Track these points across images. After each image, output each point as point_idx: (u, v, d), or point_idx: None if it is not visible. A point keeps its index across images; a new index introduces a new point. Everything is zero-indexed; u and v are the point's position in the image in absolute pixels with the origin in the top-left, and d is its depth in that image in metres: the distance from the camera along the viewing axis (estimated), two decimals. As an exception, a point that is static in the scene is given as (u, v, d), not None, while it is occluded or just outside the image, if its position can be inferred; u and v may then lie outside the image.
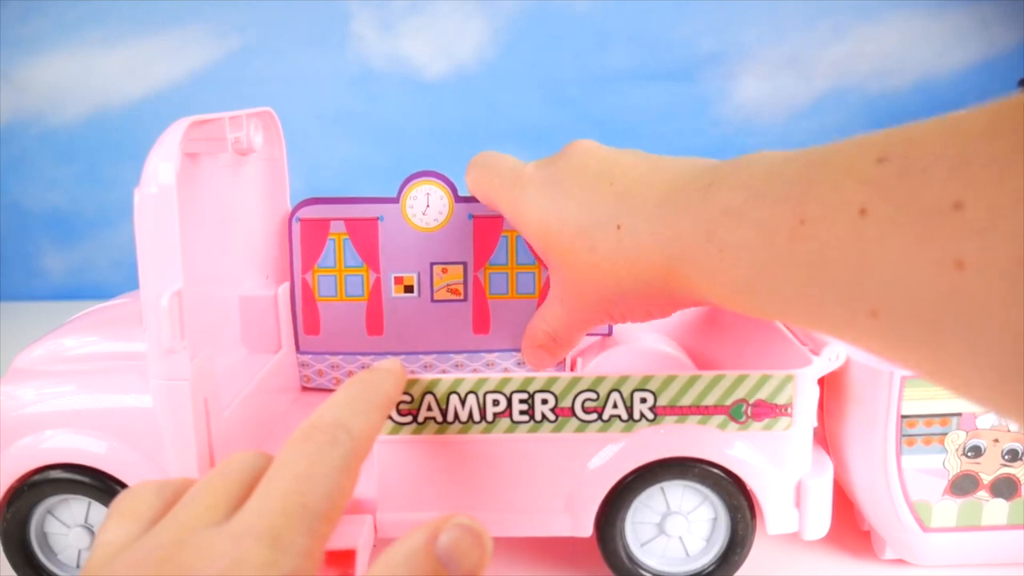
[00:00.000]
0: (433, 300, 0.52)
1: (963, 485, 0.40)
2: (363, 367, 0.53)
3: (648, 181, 0.36)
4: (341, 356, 0.53)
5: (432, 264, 0.52)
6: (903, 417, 0.39)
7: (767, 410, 0.38)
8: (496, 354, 0.53)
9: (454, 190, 0.51)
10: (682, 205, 0.33)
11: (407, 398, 0.38)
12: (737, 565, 0.41)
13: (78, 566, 0.42)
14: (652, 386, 0.38)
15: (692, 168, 0.35)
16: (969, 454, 0.40)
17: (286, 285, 0.52)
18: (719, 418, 0.38)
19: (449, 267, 0.52)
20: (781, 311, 0.29)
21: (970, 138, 0.21)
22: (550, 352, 0.44)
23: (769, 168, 0.30)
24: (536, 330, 0.44)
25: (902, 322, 0.23)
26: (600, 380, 0.38)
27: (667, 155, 0.39)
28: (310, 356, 0.53)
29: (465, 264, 0.52)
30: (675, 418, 0.39)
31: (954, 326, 0.21)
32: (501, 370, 0.53)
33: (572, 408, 0.38)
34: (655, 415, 0.38)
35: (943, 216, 0.21)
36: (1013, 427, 0.39)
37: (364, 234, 0.52)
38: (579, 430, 0.39)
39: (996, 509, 0.41)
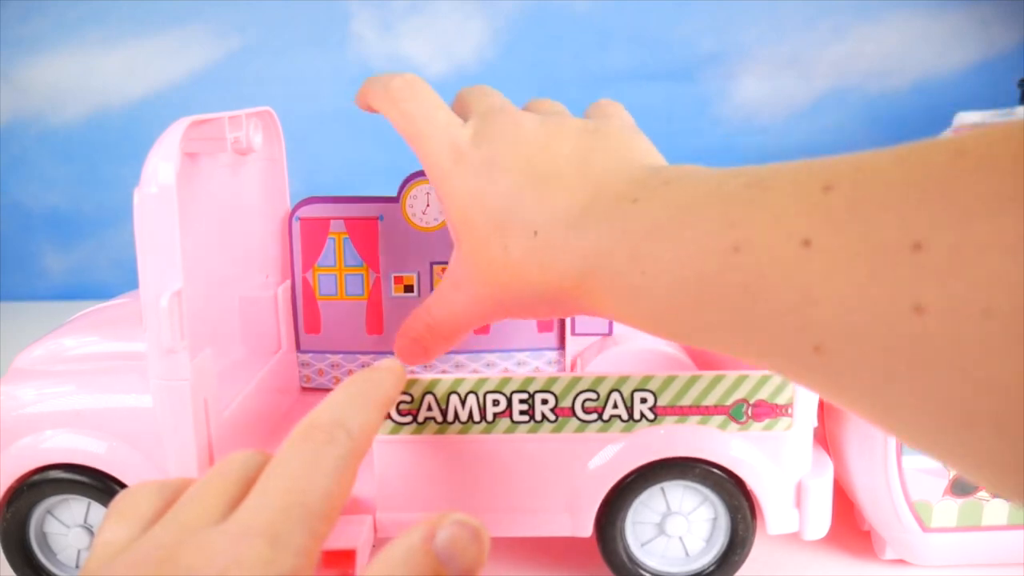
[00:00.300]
0: (433, 300, 0.52)
1: (963, 485, 0.40)
2: (363, 366, 0.53)
3: (572, 185, 0.34)
4: (341, 355, 0.53)
5: (432, 264, 0.52)
6: (903, 417, 0.39)
7: (767, 410, 0.38)
8: (496, 354, 0.53)
9: (454, 190, 0.51)
10: (605, 217, 0.32)
11: (407, 398, 0.38)
12: (737, 565, 0.41)
13: (77, 566, 0.42)
14: (652, 386, 0.38)
15: (621, 175, 0.34)
16: (969, 454, 0.40)
17: (285, 285, 0.52)
18: (719, 418, 0.38)
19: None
20: (707, 339, 0.28)
21: (932, 173, 0.21)
22: (424, 348, 0.40)
23: (704, 185, 0.29)
24: (417, 320, 0.40)
25: (850, 362, 0.22)
26: (600, 380, 0.38)
27: (616, 144, 0.37)
28: (310, 355, 0.53)
29: (465, 264, 0.52)
30: (675, 418, 0.39)
31: (909, 372, 0.20)
32: (501, 370, 0.53)
33: (572, 408, 0.38)
34: (655, 415, 0.38)
35: (900, 255, 0.20)
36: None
37: (364, 233, 0.52)
38: (579, 430, 0.39)
39: (996, 509, 0.41)
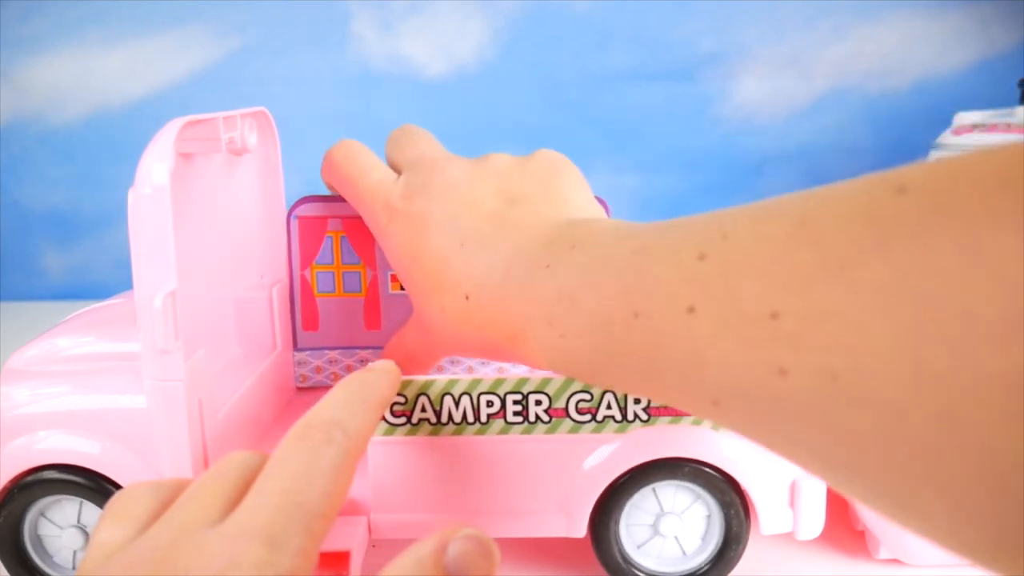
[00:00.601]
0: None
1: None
2: (361, 361, 0.53)
3: (494, 246, 0.36)
4: (339, 351, 0.53)
5: (428, 263, 0.52)
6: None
7: (761, 410, 0.38)
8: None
9: (450, 190, 0.51)
10: (523, 284, 0.33)
11: (401, 399, 0.38)
12: (733, 562, 0.41)
13: (74, 568, 0.42)
14: (646, 386, 0.38)
15: (536, 235, 0.35)
16: (963, 455, 0.40)
17: (280, 285, 0.52)
18: (713, 418, 0.38)
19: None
20: (627, 389, 0.31)
21: (778, 243, 0.22)
22: (407, 372, 0.41)
23: (601, 250, 0.30)
24: (396, 353, 0.44)
25: (741, 415, 0.24)
26: (594, 380, 0.38)
27: (540, 183, 0.39)
28: (308, 353, 0.53)
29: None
30: (669, 419, 0.39)
31: (784, 426, 0.22)
32: (495, 371, 0.53)
33: (566, 409, 0.38)
34: (649, 416, 0.38)
35: (762, 323, 0.21)
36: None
37: (361, 232, 0.52)
38: (573, 431, 0.39)
39: (991, 510, 0.40)
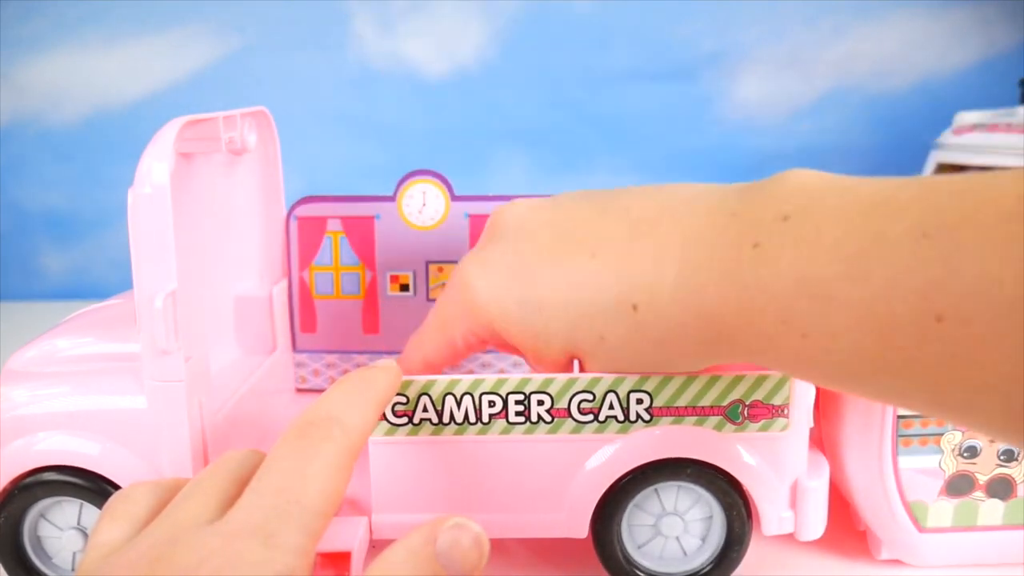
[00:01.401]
0: (429, 299, 0.52)
1: (959, 485, 0.40)
2: (359, 366, 0.53)
3: (640, 243, 0.32)
4: (337, 354, 0.53)
5: (428, 263, 0.52)
6: (899, 417, 0.39)
7: (764, 411, 0.38)
8: (492, 355, 0.53)
9: (450, 189, 0.51)
10: (721, 272, 0.29)
11: (402, 399, 0.38)
12: (735, 563, 0.41)
13: (73, 569, 0.42)
14: (648, 387, 0.38)
15: (699, 212, 0.31)
16: (965, 454, 0.40)
17: (280, 285, 0.52)
18: (715, 419, 0.38)
19: (445, 266, 0.52)
20: (908, 406, 0.26)
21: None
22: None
23: (849, 223, 0.25)
24: (411, 362, 0.40)
25: None
26: (596, 381, 0.38)
27: (621, 185, 0.35)
28: (306, 355, 0.53)
29: (461, 264, 0.52)
30: (671, 419, 0.38)
31: None
32: (497, 371, 0.53)
33: (568, 409, 0.38)
34: (651, 416, 0.38)
35: None
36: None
37: (360, 232, 0.52)
38: (575, 431, 0.39)
39: (992, 509, 0.40)
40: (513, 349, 0.38)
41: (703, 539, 0.41)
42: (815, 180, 0.28)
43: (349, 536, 0.38)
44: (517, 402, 0.38)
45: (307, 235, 0.52)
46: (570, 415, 0.38)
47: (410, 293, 0.52)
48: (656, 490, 0.40)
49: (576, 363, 0.52)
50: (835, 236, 0.25)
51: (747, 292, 0.28)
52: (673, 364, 0.34)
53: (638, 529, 0.41)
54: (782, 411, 0.38)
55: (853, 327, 0.25)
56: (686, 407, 0.38)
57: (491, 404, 0.38)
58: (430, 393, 0.38)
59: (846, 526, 0.45)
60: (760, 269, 0.27)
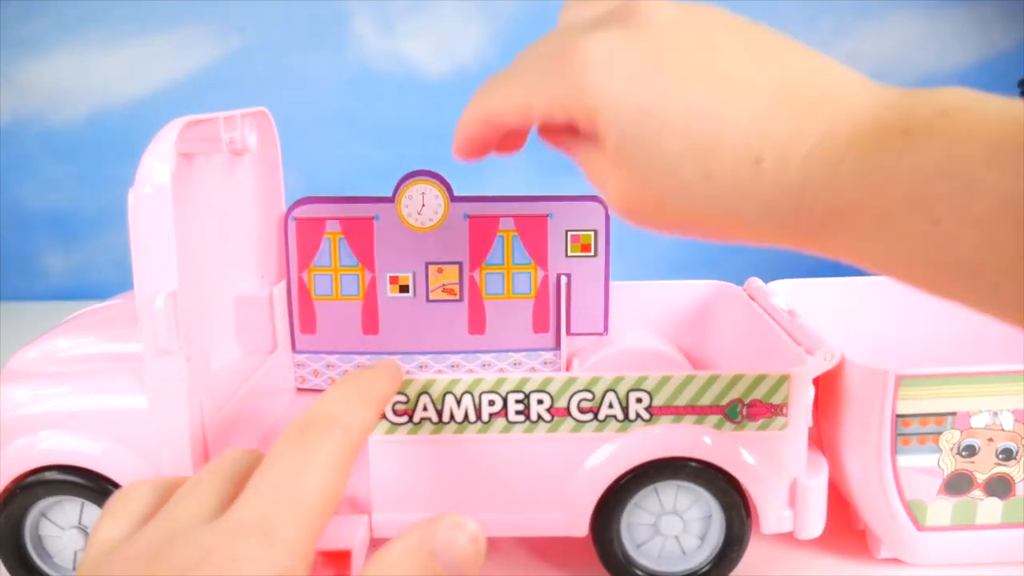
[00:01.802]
0: (428, 300, 0.52)
1: (958, 484, 0.40)
2: (359, 367, 0.53)
3: (789, 102, 0.29)
4: (337, 355, 0.53)
5: (427, 264, 0.52)
6: (898, 416, 0.39)
7: (763, 410, 0.38)
8: (492, 355, 0.53)
9: (449, 190, 0.51)
10: (861, 150, 0.27)
11: (402, 398, 0.38)
12: (734, 563, 0.41)
13: (74, 568, 0.42)
14: (648, 386, 0.38)
15: (858, 96, 0.28)
16: (964, 453, 0.40)
17: (281, 285, 0.52)
18: (715, 418, 0.38)
19: (444, 267, 0.52)
20: (1011, 307, 0.24)
21: None
22: (481, 135, 0.36)
23: (1017, 124, 0.24)
24: (473, 110, 0.36)
25: None
26: (596, 380, 0.38)
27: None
28: (306, 356, 0.53)
29: (460, 264, 0.52)
30: (671, 418, 0.39)
31: None
32: (497, 371, 0.53)
33: (568, 408, 0.38)
34: (651, 415, 0.38)
35: None
36: (1007, 427, 0.39)
37: (359, 233, 0.52)
38: (575, 430, 0.39)
39: (990, 508, 0.41)
40: (570, 147, 0.34)
41: (702, 538, 0.41)
42: (977, 93, 0.26)
43: (349, 535, 0.38)
44: (517, 401, 0.38)
45: (306, 236, 0.52)
46: (570, 414, 0.38)
47: (409, 294, 0.52)
48: (655, 489, 0.40)
49: (575, 361, 0.52)
50: (991, 131, 0.24)
51: (882, 173, 0.26)
52: (751, 232, 0.30)
53: (637, 528, 0.41)
54: (781, 410, 0.38)
55: (993, 217, 0.23)
56: (685, 406, 0.38)
57: (491, 403, 0.38)
58: (430, 392, 0.38)
59: (845, 525, 0.45)
60: (904, 154, 0.26)
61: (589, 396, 0.38)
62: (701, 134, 0.29)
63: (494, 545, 0.45)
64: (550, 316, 0.53)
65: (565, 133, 0.33)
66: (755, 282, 0.53)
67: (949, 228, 0.24)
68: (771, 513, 0.40)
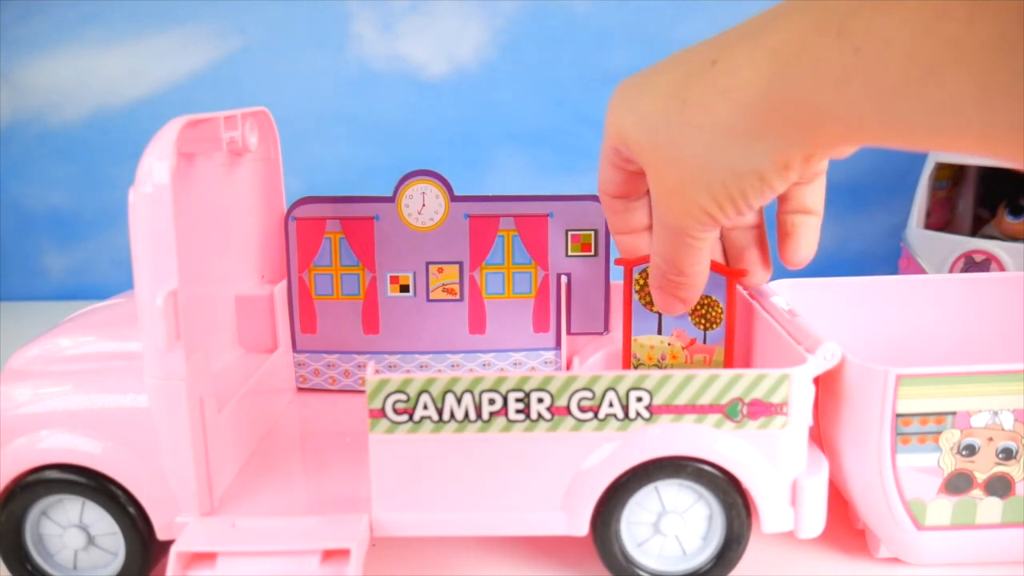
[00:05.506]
0: (429, 300, 0.53)
1: (957, 483, 0.40)
2: (359, 367, 0.53)
3: (735, 32, 0.32)
4: (337, 355, 0.53)
5: (428, 263, 0.52)
6: (898, 415, 0.39)
7: (763, 409, 0.38)
8: (492, 354, 0.53)
9: (450, 189, 0.51)
10: (788, 8, 0.29)
11: (403, 396, 0.38)
12: (734, 562, 0.41)
13: (74, 567, 0.42)
14: (648, 385, 0.38)
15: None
16: (963, 453, 0.40)
17: (282, 285, 0.52)
18: (715, 417, 0.38)
19: (445, 267, 0.52)
20: (952, 111, 0.25)
21: None
22: (669, 290, 0.41)
23: None
24: (653, 269, 0.41)
25: None
26: (596, 379, 0.38)
27: None
28: (306, 355, 0.53)
29: (461, 264, 0.52)
30: (671, 417, 0.39)
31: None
32: (497, 370, 0.53)
33: (568, 407, 0.38)
34: (651, 414, 0.38)
35: None
36: (1007, 426, 0.39)
37: (360, 233, 0.52)
38: (575, 429, 0.39)
39: (990, 507, 0.41)
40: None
41: (703, 537, 0.41)
42: None
43: (349, 533, 0.38)
44: (517, 400, 0.38)
45: (306, 236, 0.52)
46: (570, 413, 0.38)
47: (410, 294, 0.53)
48: (656, 488, 0.40)
49: (576, 361, 0.52)
50: None
51: (799, 17, 0.29)
52: (725, 148, 0.33)
53: (638, 527, 0.41)
54: (781, 409, 0.38)
55: (904, 28, 0.25)
56: (685, 405, 0.38)
57: (491, 402, 0.38)
58: (430, 391, 0.38)
59: (845, 524, 0.45)
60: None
61: (589, 395, 0.38)
62: (674, 68, 0.35)
63: (494, 544, 0.45)
64: (550, 315, 0.53)
65: None
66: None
67: (869, 53, 0.26)
68: (771, 512, 0.40)
